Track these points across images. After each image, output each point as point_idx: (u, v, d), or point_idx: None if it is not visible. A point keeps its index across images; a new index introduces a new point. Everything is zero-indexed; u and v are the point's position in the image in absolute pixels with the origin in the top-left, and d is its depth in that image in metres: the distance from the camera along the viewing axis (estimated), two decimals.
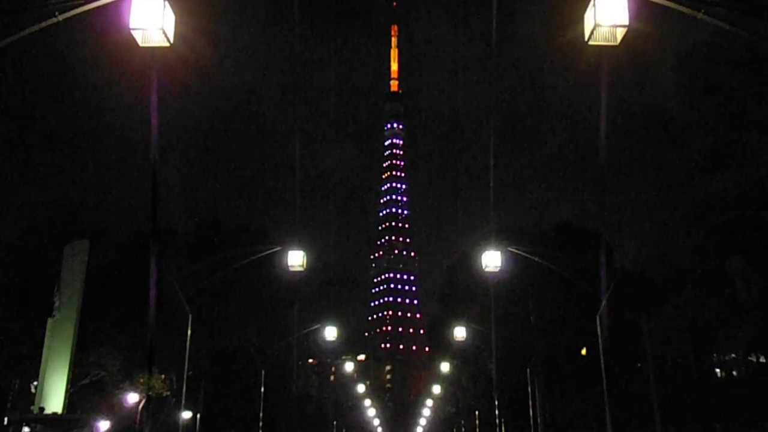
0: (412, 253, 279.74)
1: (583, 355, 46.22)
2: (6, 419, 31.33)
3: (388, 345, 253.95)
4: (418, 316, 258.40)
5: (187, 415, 41.98)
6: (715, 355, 41.04)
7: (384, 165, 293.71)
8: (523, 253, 34.70)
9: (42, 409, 28.25)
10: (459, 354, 63.91)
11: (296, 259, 28.83)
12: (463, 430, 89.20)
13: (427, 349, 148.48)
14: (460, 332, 51.51)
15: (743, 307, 32.99)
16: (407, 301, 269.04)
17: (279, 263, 33.12)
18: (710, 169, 32.18)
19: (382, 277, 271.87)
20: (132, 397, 37.40)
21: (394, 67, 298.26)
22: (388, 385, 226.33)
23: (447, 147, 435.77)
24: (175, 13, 11.69)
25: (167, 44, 11.68)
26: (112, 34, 12.38)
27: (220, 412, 50.63)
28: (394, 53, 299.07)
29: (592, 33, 11.26)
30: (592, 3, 11.15)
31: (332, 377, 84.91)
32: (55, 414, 28.05)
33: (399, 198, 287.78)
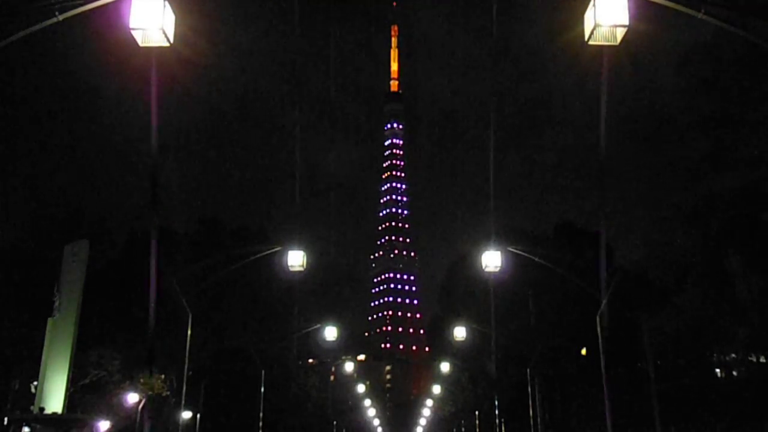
0: (412, 253, 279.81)
1: (583, 355, 46.21)
2: (6, 419, 31.30)
3: (388, 345, 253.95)
4: (418, 316, 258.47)
5: (187, 415, 41.96)
6: (715, 355, 41.01)
7: (384, 165, 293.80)
8: (523, 253, 34.71)
9: (42, 409, 28.21)
10: (459, 354, 63.90)
11: (296, 259, 28.84)
12: (463, 430, 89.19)
13: (427, 349, 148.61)
14: (460, 332, 51.51)
15: (743, 307, 32.98)
16: (407, 301, 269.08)
17: (279, 263, 33.13)
18: (710, 169, 32.19)
19: (382, 277, 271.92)
20: (132, 397, 37.38)
21: (394, 67, 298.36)
22: (388, 385, 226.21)
23: (447, 147, 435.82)
24: (175, 13, 11.70)
25: (167, 44, 11.68)
26: (112, 34, 12.39)
27: (220, 412, 50.61)
28: (394, 53, 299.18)
29: (592, 33, 11.26)
30: (592, 3, 11.15)
31: (332, 377, 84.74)
32: (55, 414, 28.01)
33: (399, 198, 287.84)
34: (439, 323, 71.69)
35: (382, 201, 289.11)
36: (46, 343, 29.44)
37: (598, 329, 31.52)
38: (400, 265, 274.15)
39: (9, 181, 39.97)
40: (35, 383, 31.76)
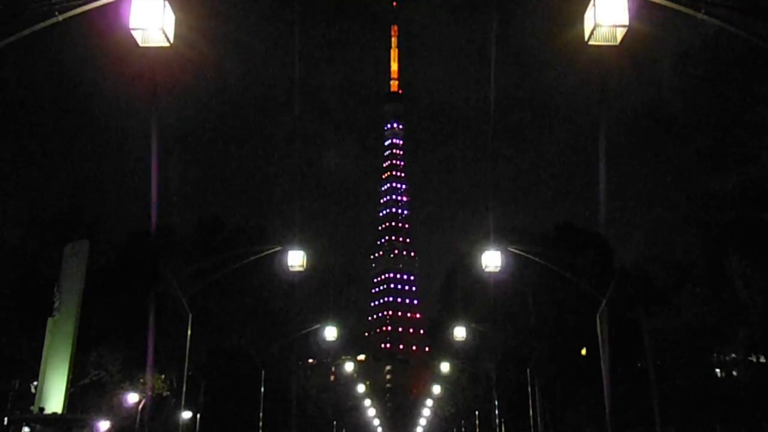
0: (412, 253, 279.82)
1: (583, 356, 46.19)
2: (6, 419, 31.25)
3: (388, 345, 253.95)
4: (418, 316, 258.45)
5: (187, 415, 41.96)
6: (715, 355, 40.98)
7: (384, 165, 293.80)
8: (523, 253, 34.70)
9: (42, 409, 28.19)
10: (459, 354, 63.89)
11: (296, 259, 28.89)
12: (463, 430, 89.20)
13: (427, 349, 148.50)
14: (460, 332, 51.54)
15: (743, 307, 32.96)
16: (407, 301, 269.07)
17: (279, 263, 33.15)
18: (710, 169, 32.19)
19: (382, 277, 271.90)
20: (132, 397, 37.38)
21: (394, 67, 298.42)
22: (388, 385, 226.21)
23: (447, 147, 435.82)
24: (175, 13, 11.70)
25: (167, 44, 11.69)
26: (112, 34, 12.39)
27: (220, 412, 50.61)
28: (394, 53, 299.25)
29: (592, 33, 11.27)
30: (592, 3, 11.15)
31: (332, 377, 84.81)
32: (55, 414, 27.99)
33: (399, 198, 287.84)
34: (439, 323, 71.61)
35: (382, 201, 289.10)
36: (46, 343, 29.42)
37: (598, 329, 31.53)
38: (400, 265, 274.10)
39: (9, 181, 39.94)
40: (35, 383, 31.74)
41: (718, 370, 41.98)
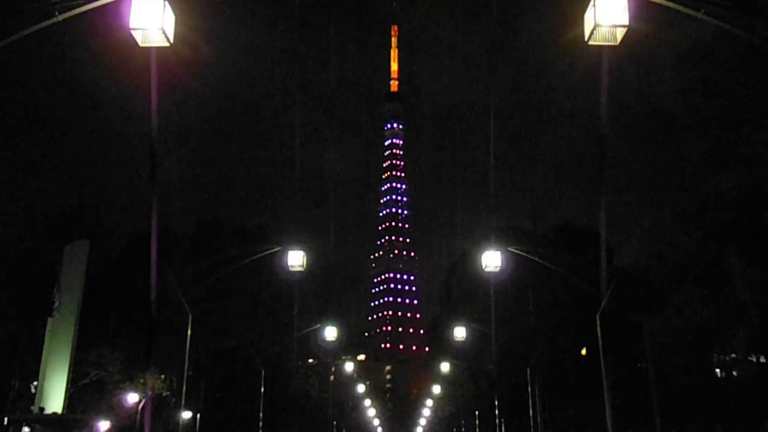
0: (412, 253, 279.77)
1: (583, 356, 46.19)
2: (6, 419, 31.29)
3: (388, 345, 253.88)
4: (418, 316, 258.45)
5: (187, 415, 41.97)
6: (715, 355, 40.98)
7: (384, 165, 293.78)
8: (523, 253, 34.71)
9: (42, 409, 28.22)
10: (459, 354, 63.91)
11: (296, 259, 28.87)
12: (463, 430, 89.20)
13: (427, 349, 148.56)
14: (460, 332, 51.54)
15: (743, 307, 32.97)
16: (407, 301, 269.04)
17: (279, 263, 33.16)
18: (710, 169, 32.21)
19: (382, 277, 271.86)
20: (132, 397, 37.40)
21: (394, 67, 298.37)
22: (388, 385, 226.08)
23: (447, 147, 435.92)
24: (175, 13, 11.70)
25: (167, 44, 11.69)
26: (112, 34, 12.40)
27: (220, 412, 50.62)
28: (394, 53, 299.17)
29: (592, 33, 11.27)
30: (592, 3, 11.15)
31: (332, 377, 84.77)
32: (55, 414, 28.01)
33: (399, 198, 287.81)
34: (439, 323, 71.70)
35: (382, 201, 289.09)
36: (46, 343, 29.44)
37: (598, 329, 31.50)
38: (400, 265, 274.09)
39: (9, 181, 39.96)
40: (35, 383, 31.76)
41: (718, 370, 41.97)
